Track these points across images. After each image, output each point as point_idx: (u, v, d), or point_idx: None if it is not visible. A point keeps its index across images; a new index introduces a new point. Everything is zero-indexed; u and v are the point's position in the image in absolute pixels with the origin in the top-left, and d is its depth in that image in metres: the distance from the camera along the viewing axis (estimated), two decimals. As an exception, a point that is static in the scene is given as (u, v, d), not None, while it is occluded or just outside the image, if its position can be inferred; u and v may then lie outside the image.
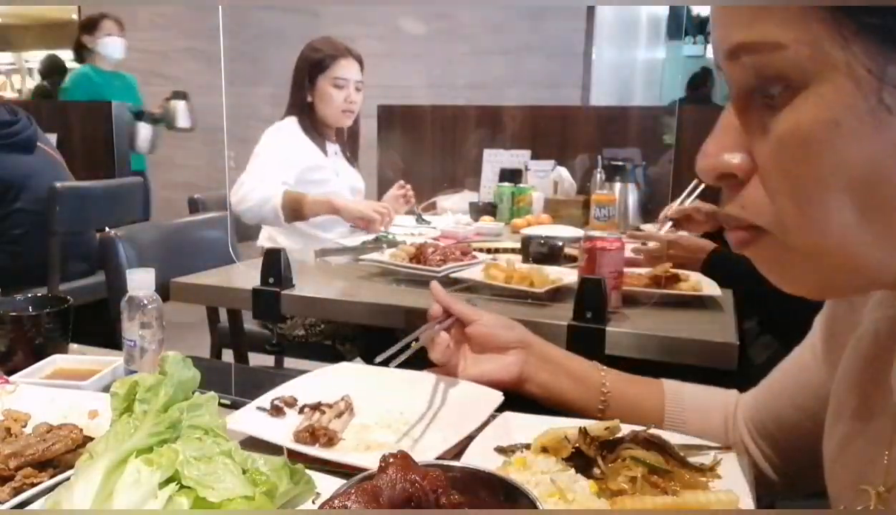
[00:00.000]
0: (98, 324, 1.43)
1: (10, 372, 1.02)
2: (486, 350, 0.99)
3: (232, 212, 2.23)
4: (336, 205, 2.23)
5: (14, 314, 1.10)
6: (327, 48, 2.45)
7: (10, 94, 9.94)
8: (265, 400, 0.93)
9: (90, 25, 4.17)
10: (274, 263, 1.51)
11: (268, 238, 2.43)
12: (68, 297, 1.16)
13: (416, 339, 0.97)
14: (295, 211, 2.24)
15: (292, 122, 2.46)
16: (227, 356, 2.30)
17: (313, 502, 0.69)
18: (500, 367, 0.97)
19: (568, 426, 0.78)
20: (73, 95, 4.14)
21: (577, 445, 0.76)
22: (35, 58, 10.74)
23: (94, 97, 4.06)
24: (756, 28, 0.47)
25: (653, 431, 0.80)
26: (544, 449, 0.78)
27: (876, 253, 0.49)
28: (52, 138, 3.42)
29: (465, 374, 0.99)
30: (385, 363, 0.91)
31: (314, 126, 2.47)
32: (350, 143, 2.65)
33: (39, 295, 1.19)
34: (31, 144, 2.61)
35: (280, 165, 2.32)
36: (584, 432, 0.76)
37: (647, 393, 0.94)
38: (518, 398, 0.96)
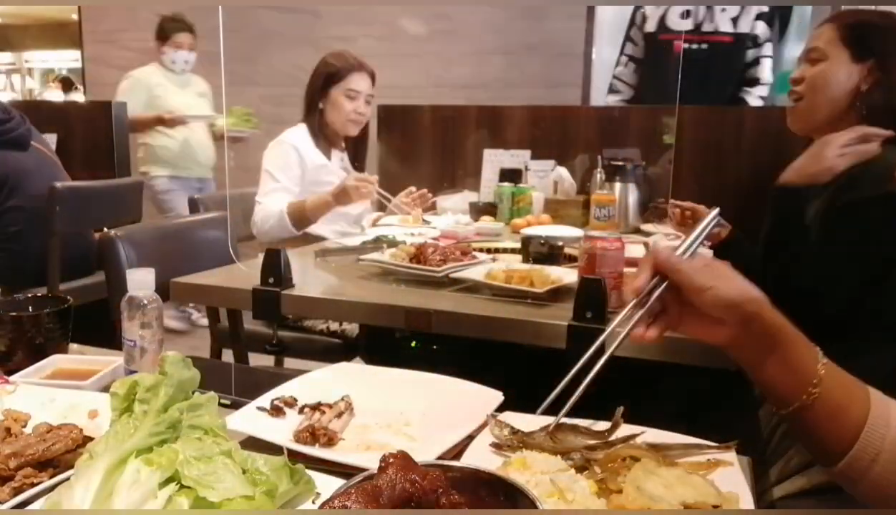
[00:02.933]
0: (98, 324, 1.43)
1: (10, 372, 1.02)
2: (702, 312, 0.85)
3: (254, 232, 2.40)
4: (328, 198, 2.29)
5: (14, 314, 1.10)
6: (343, 61, 2.56)
7: (10, 95, 9.95)
8: (265, 400, 0.93)
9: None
10: (274, 263, 1.51)
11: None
12: (68, 297, 1.16)
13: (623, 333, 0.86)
14: (301, 219, 2.33)
15: (300, 129, 2.55)
16: (227, 356, 2.30)
17: (313, 502, 0.69)
18: (714, 332, 0.85)
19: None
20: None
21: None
22: (35, 58, 10.77)
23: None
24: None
25: (652, 434, 0.80)
26: (544, 450, 0.78)
27: None
28: (52, 138, 3.42)
29: (685, 330, 0.87)
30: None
31: (322, 131, 2.57)
32: (358, 153, 2.74)
33: (39, 295, 1.19)
34: (25, 142, 2.61)
35: (285, 178, 2.44)
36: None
37: (854, 398, 0.84)
38: (518, 398, 0.96)
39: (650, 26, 3.42)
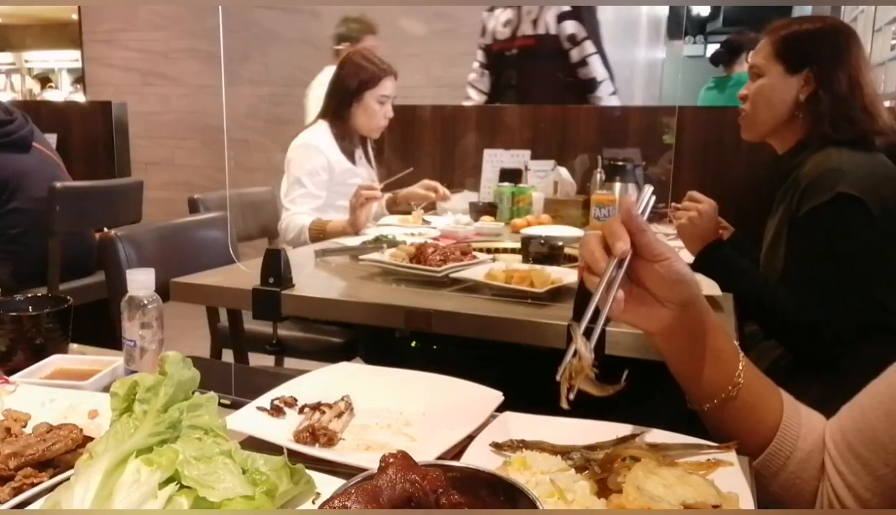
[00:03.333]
0: (98, 324, 1.43)
1: (10, 372, 1.02)
2: (651, 292, 0.82)
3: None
4: (347, 226, 2.30)
5: (14, 314, 1.10)
6: (375, 66, 2.54)
7: (10, 95, 9.95)
8: (265, 400, 0.93)
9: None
10: (274, 263, 1.51)
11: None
12: (68, 297, 1.16)
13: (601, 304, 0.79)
14: (318, 238, 2.34)
15: (323, 129, 2.53)
16: (227, 356, 2.30)
17: (313, 502, 0.69)
18: (652, 316, 0.83)
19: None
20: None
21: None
22: (35, 58, 10.77)
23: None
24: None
25: (652, 434, 0.80)
26: (543, 449, 0.78)
27: None
28: (52, 138, 3.41)
29: (622, 316, 0.83)
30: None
31: (347, 134, 2.56)
32: (371, 145, 2.76)
33: (39, 295, 1.19)
34: (27, 144, 2.61)
35: (312, 184, 2.45)
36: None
37: (771, 394, 0.86)
38: (518, 398, 0.96)
39: (487, 38, 3.43)
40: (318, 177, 2.46)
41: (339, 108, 2.55)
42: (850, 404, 0.84)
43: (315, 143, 2.48)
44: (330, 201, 2.50)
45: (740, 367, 0.84)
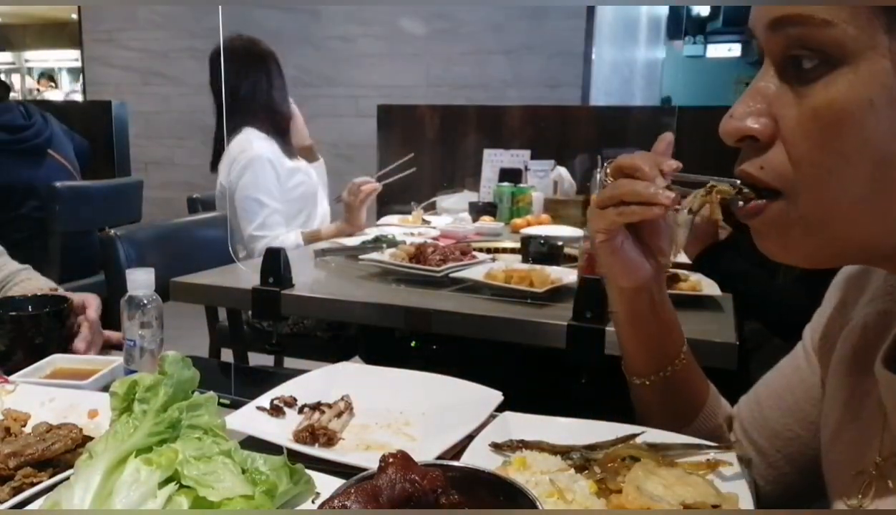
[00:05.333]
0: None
1: (10, 372, 1.02)
2: (645, 241, 0.80)
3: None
4: (343, 226, 2.26)
5: (14, 314, 1.10)
6: (256, 43, 2.41)
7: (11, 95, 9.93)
8: (265, 399, 0.93)
9: None
10: (274, 263, 1.51)
11: None
12: (68, 297, 1.16)
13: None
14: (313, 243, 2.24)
15: (253, 135, 2.30)
16: (227, 356, 2.30)
17: (313, 502, 0.69)
18: (637, 268, 0.80)
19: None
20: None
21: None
22: (35, 57, 10.78)
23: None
24: (806, 2, 0.50)
25: (652, 434, 0.80)
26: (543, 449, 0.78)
27: (876, 228, 0.53)
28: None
29: (618, 253, 0.79)
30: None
31: (276, 128, 2.35)
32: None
33: (39, 294, 1.19)
34: (41, 150, 2.59)
35: (270, 200, 2.24)
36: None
37: (701, 377, 0.90)
38: (518, 398, 0.96)
39: None
40: (274, 190, 2.25)
41: (255, 102, 2.32)
42: (747, 395, 0.88)
43: (257, 155, 2.23)
44: (288, 209, 2.33)
45: (685, 346, 0.87)
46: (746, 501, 0.70)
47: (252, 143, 2.27)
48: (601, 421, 0.87)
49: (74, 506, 0.60)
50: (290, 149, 2.39)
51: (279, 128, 2.35)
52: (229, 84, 2.29)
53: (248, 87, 2.34)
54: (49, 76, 10.05)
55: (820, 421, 0.73)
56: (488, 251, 1.96)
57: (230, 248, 1.79)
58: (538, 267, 1.58)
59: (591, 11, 4.27)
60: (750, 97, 0.56)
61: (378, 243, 1.97)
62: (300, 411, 0.92)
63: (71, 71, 9.68)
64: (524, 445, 0.80)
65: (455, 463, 0.64)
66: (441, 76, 4.46)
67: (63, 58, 10.17)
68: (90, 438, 0.79)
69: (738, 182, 0.59)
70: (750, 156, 0.57)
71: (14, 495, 0.70)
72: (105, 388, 0.93)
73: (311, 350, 2.33)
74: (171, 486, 0.63)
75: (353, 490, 0.53)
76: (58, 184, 2.50)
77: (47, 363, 1.06)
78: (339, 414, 0.90)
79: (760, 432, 0.84)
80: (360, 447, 0.85)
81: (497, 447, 0.81)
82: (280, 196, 2.28)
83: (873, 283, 0.69)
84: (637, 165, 0.73)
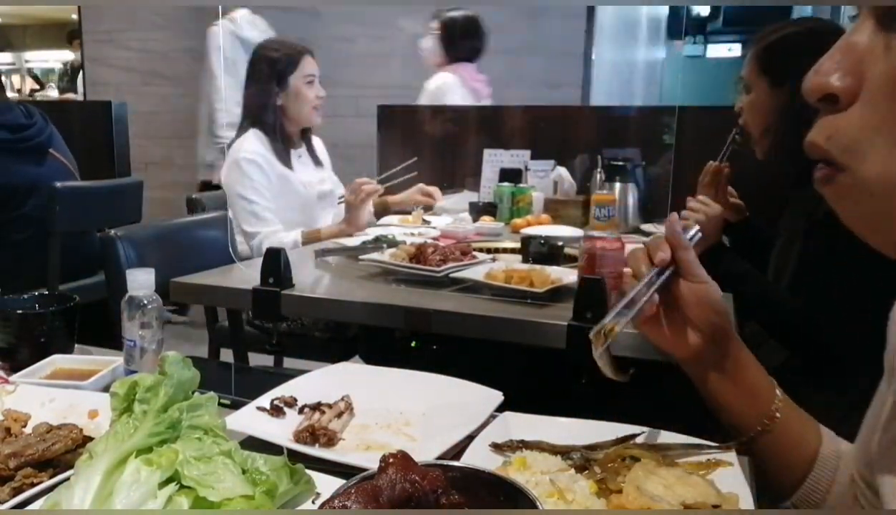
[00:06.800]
0: (98, 324, 1.43)
1: (16, 370, 1.02)
2: (684, 313, 0.83)
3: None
4: (343, 226, 2.26)
5: (20, 312, 1.11)
6: (288, 47, 2.41)
7: (10, 95, 9.94)
8: (265, 399, 0.93)
9: None
10: (274, 263, 1.51)
11: None
12: (74, 296, 1.16)
13: (636, 303, 0.81)
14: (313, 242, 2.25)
15: (254, 139, 2.35)
16: (227, 356, 2.30)
17: (313, 502, 0.69)
18: (680, 340, 0.84)
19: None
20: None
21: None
22: (35, 58, 10.77)
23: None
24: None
25: (651, 434, 0.80)
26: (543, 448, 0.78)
27: None
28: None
29: (644, 328, 0.86)
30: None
31: (281, 134, 2.39)
32: (310, 145, 2.59)
33: (46, 293, 1.19)
34: (42, 150, 2.59)
35: (260, 198, 2.28)
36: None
37: (808, 429, 0.84)
38: (518, 398, 0.96)
39: None
40: (263, 189, 2.29)
41: (264, 107, 2.36)
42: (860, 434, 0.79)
43: (242, 157, 2.28)
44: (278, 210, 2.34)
45: (777, 403, 0.83)
46: (746, 501, 0.70)
47: (241, 145, 2.33)
48: (601, 421, 0.87)
49: (74, 506, 0.60)
50: (282, 150, 2.40)
51: (272, 133, 2.38)
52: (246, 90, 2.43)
53: (248, 93, 2.43)
54: (34, 76, 10.03)
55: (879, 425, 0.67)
56: (488, 251, 1.96)
57: (230, 248, 1.79)
58: (538, 267, 1.58)
59: (591, 11, 4.27)
60: (838, 50, 0.52)
61: (378, 243, 1.96)
62: (300, 411, 0.92)
63: (61, 71, 9.65)
64: (524, 445, 0.80)
65: (455, 463, 0.64)
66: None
67: (63, 58, 10.16)
68: (90, 438, 0.79)
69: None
70: (822, 121, 0.53)
71: (14, 495, 0.70)
72: (105, 389, 0.93)
73: (311, 350, 2.33)
74: (172, 486, 0.63)
75: (353, 491, 0.53)
76: (58, 184, 2.50)
77: (48, 363, 1.07)
78: (340, 415, 0.90)
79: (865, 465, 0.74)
80: (360, 447, 0.85)
81: (497, 447, 0.81)
82: (270, 194, 2.31)
83: None
84: (632, 265, 0.87)
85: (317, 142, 2.64)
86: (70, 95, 6.00)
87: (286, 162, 2.41)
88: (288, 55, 2.38)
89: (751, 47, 1.66)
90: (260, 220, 2.29)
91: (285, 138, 2.42)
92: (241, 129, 2.40)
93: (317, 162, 2.60)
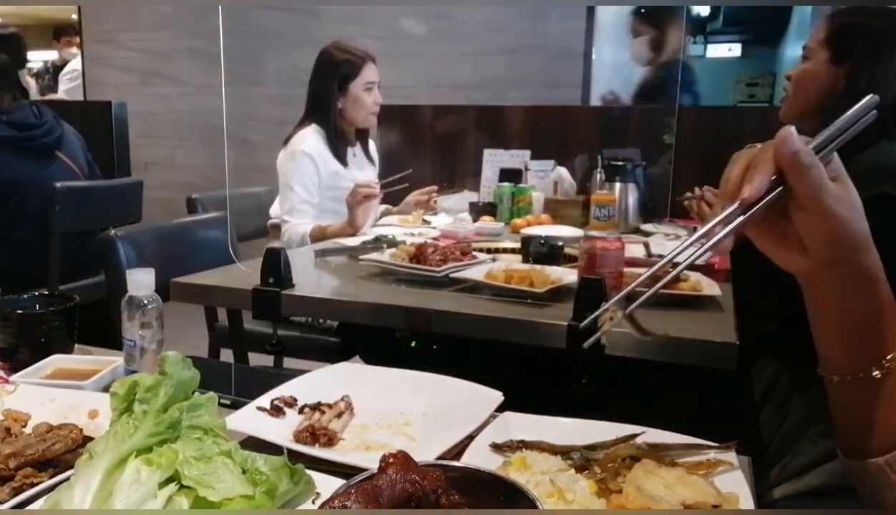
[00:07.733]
0: (98, 324, 1.43)
1: (17, 369, 1.02)
2: (800, 235, 0.66)
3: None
4: (346, 225, 2.28)
5: (20, 312, 1.11)
6: (352, 54, 2.51)
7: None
8: (265, 399, 0.93)
9: None
10: (274, 263, 1.51)
11: None
12: (75, 296, 1.16)
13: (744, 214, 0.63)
14: (319, 240, 2.31)
15: (314, 134, 2.48)
16: (227, 356, 2.30)
17: (313, 502, 0.69)
18: (785, 256, 0.68)
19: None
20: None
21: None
22: (35, 57, 10.75)
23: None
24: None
25: (653, 433, 0.80)
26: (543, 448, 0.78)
27: None
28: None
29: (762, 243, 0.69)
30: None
31: (339, 133, 2.52)
32: (365, 144, 2.71)
33: (46, 293, 1.19)
34: (50, 151, 2.59)
35: (304, 191, 2.42)
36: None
37: None
38: (518, 398, 0.96)
39: None
40: (309, 182, 2.42)
41: (325, 107, 2.50)
42: None
43: (301, 149, 2.42)
44: (322, 207, 2.46)
45: (893, 354, 0.68)
46: (746, 501, 0.70)
47: (301, 138, 2.45)
48: (601, 421, 0.87)
49: (74, 506, 0.60)
50: (340, 153, 2.51)
51: (331, 131, 2.49)
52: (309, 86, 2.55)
53: (311, 90, 2.55)
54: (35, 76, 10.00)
55: None
56: (488, 251, 1.96)
57: (230, 248, 1.79)
58: (538, 267, 1.58)
59: (591, 11, 4.27)
60: None
61: (378, 243, 1.97)
62: (300, 411, 0.92)
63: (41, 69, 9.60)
64: (524, 445, 0.80)
65: (455, 464, 0.64)
66: (441, 76, 4.46)
67: (63, 57, 10.14)
68: (90, 438, 0.79)
69: None
70: None
71: (14, 495, 0.70)
72: (105, 388, 0.93)
73: (311, 350, 2.33)
74: (172, 486, 0.63)
75: (353, 491, 0.53)
76: (58, 184, 2.50)
77: (48, 363, 1.07)
78: (340, 415, 0.90)
79: None
80: (360, 447, 0.85)
81: (497, 447, 0.81)
82: (316, 190, 2.44)
83: None
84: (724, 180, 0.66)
85: (371, 143, 2.75)
86: (51, 96, 5.94)
87: (341, 158, 2.52)
88: (351, 61, 2.49)
89: (824, 19, 1.63)
90: (294, 213, 2.40)
91: (342, 137, 2.53)
92: (303, 122, 2.52)
93: (370, 161, 2.71)
